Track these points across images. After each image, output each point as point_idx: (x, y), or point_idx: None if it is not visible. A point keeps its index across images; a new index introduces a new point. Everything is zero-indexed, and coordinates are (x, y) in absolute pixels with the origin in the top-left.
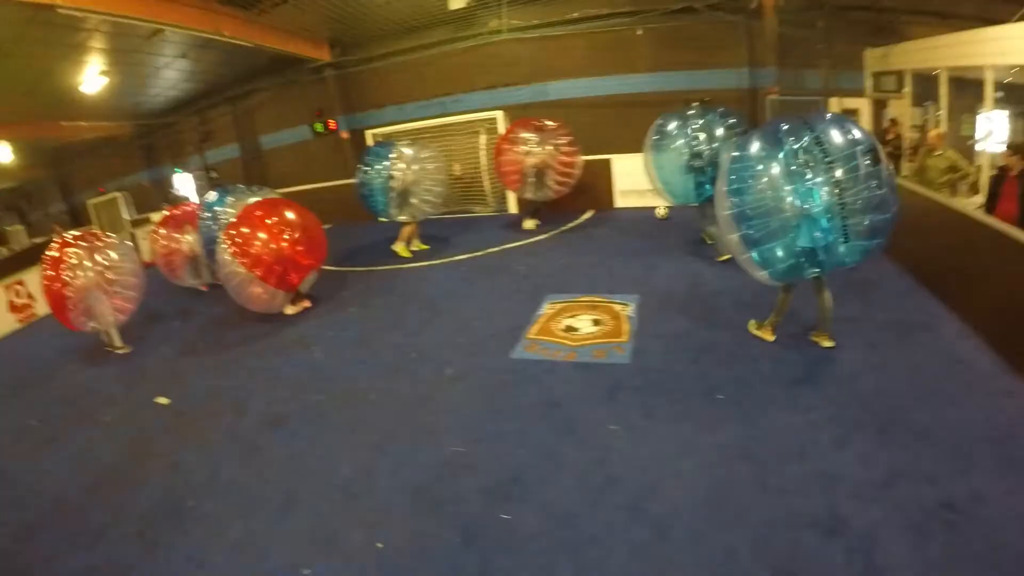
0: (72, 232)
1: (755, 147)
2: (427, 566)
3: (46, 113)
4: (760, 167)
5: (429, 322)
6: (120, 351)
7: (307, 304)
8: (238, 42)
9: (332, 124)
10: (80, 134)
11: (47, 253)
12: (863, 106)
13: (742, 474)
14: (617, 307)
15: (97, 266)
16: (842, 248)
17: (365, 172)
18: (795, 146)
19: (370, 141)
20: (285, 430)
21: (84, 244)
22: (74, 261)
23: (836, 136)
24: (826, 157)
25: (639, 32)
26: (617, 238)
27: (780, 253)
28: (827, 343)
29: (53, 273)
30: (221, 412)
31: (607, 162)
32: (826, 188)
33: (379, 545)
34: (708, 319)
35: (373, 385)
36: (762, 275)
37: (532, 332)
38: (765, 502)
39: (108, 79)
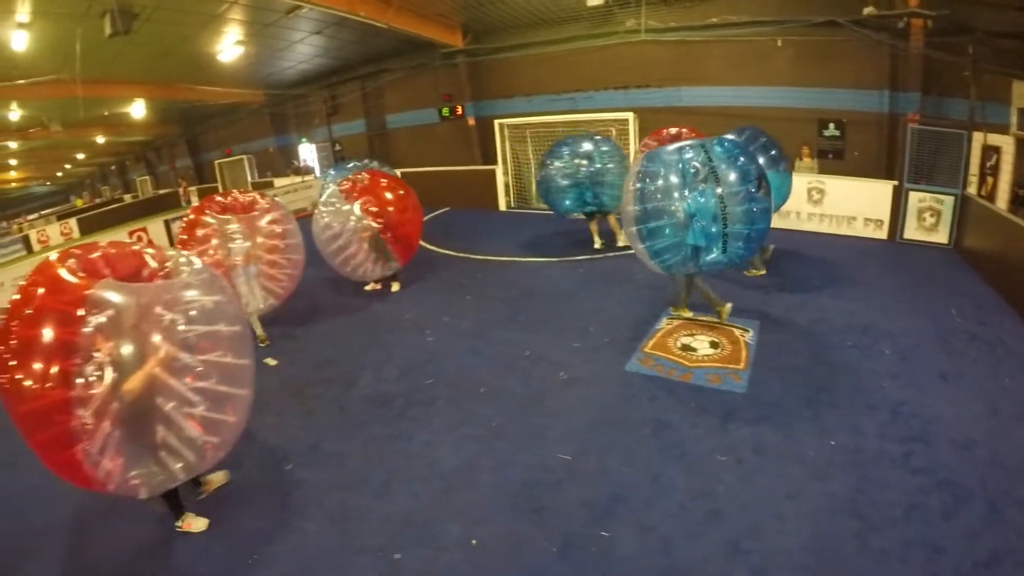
0: (228, 193)
1: (660, 159)
2: (520, 571)
3: (181, 76)
4: (661, 179)
5: (545, 321)
6: (261, 344)
7: (379, 286)
8: (373, 23)
9: (459, 110)
10: (212, 98)
11: (186, 216)
12: (1006, 144)
13: (846, 528)
14: (737, 332)
15: (253, 238)
16: (716, 252)
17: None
18: (693, 162)
19: (498, 130)
20: (392, 409)
21: (238, 208)
22: (220, 228)
23: (728, 160)
24: (716, 175)
25: (779, 43)
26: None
27: (671, 247)
28: (723, 311)
29: (186, 237)
30: (330, 382)
31: None
32: (713, 200)
33: (474, 542)
34: (827, 357)
35: (484, 378)
36: (654, 264)
37: (648, 346)
38: (866, 562)
39: (244, 49)
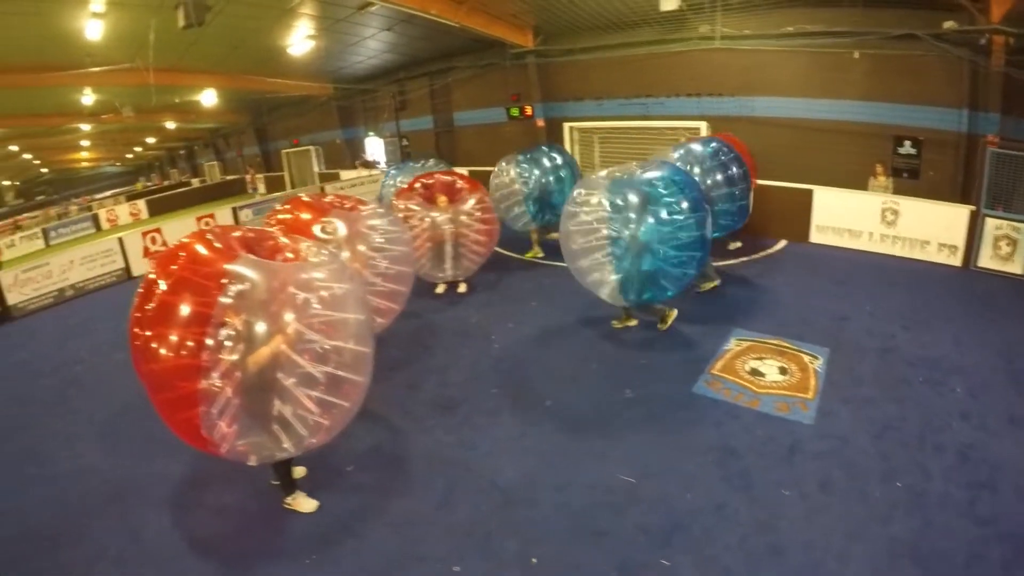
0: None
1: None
2: None
3: (252, 67)
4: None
5: (612, 335)
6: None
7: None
8: (444, 21)
9: (528, 110)
10: (281, 89)
11: (278, 216)
12: None
13: (906, 574)
14: (806, 358)
15: (359, 246)
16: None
17: None
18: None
19: (567, 132)
20: (456, 416)
21: (341, 212)
22: (323, 234)
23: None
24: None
25: (856, 55)
26: (809, 278)
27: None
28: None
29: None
30: (394, 383)
31: (808, 192)
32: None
33: (534, 560)
34: (897, 391)
35: (550, 390)
36: (609, 293)
37: (716, 367)
38: None
39: (315, 43)
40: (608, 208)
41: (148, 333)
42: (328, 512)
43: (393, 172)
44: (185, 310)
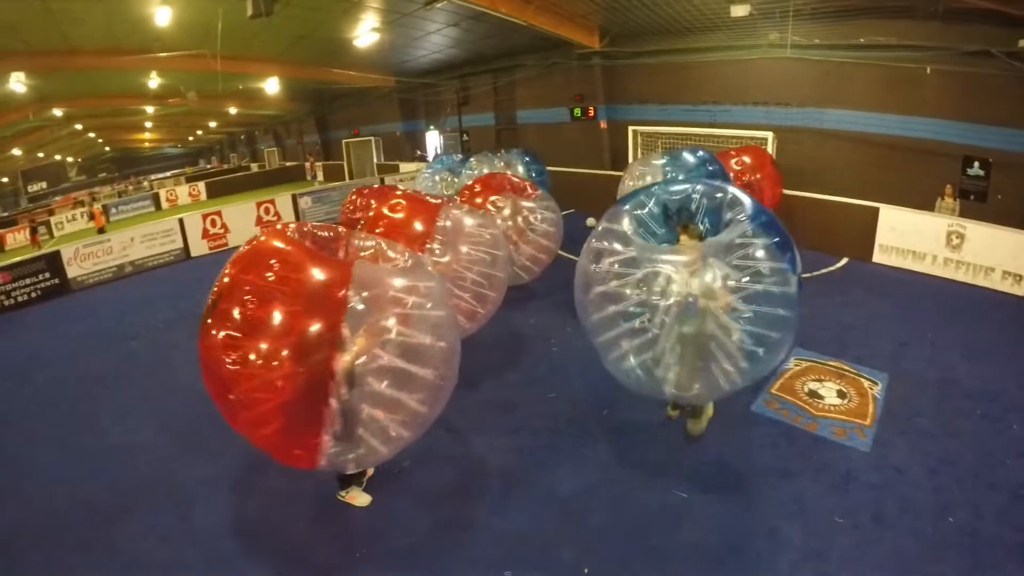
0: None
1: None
2: None
3: (316, 58)
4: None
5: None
6: None
7: None
8: (512, 19)
9: (591, 111)
10: (344, 80)
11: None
12: None
13: None
14: (865, 383)
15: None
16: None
17: None
18: None
19: (631, 136)
20: (513, 419)
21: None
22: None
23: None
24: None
25: (928, 71)
26: (871, 299)
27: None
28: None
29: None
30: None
31: (874, 210)
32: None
33: (586, 571)
34: (954, 425)
35: (606, 399)
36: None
37: (775, 386)
38: None
39: (380, 36)
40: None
41: (253, 354)
42: (381, 508)
43: (430, 173)
44: (312, 327)
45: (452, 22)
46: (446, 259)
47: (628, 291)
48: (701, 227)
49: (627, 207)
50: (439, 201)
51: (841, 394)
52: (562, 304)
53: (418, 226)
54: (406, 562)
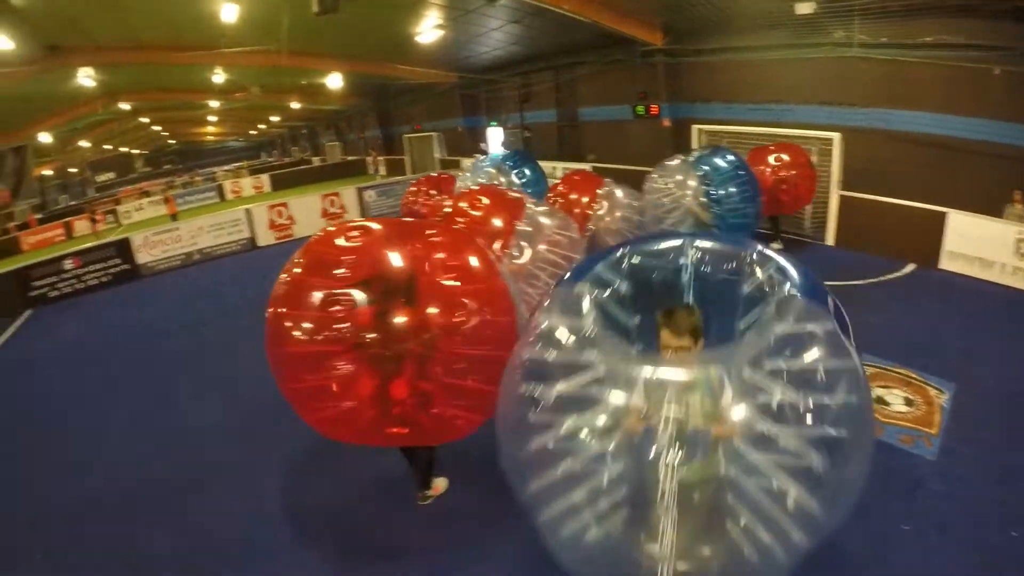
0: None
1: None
2: None
3: (379, 54)
4: None
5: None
6: None
7: None
8: (575, 16)
9: (654, 109)
10: (407, 76)
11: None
12: None
13: None
14: (932, 391)
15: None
16: None
17: None
18: None
19: (695, 135)
20: None
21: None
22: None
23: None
24: None
25: (996, 72)
26: (938, 306)
27: None
28: None
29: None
30: None
31: (940, 215)
32: None
33: None
34: (1022, 438)
35: None
36: None
37: None
38: None
39: (443, 33)
40: None
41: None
42: (451, 493)
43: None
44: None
45: (514, 19)
46: (523, 260)
47: (590, 440)
48: (696, 315)
49: (582, 291)
50: (518, 197)
51: (908, 402)
52: None
53: (498, 223)
54: (473, 543)
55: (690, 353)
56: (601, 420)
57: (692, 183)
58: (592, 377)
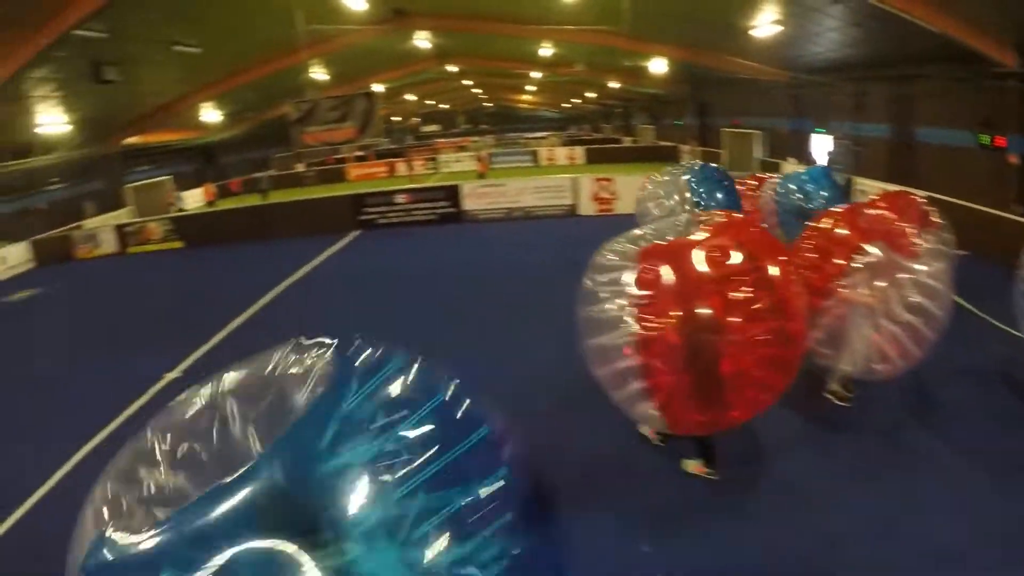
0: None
1: None
2: None
3: (708, 43)
4: None
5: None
6: (839, 401)
7: None
8: (923, 24)
9: (1000, 140)
10: (734, 69)
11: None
12: None
13: None
14: None
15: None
16: None
17: None
18: None
19: None
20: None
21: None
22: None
23: None
24: None
25: None
26: None
27: None
28: None
29: (814, 255)
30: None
31: None
32: None
33: None
34: None
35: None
36: None
37: None
38: None
39: (780, 28)
40: None
41: None
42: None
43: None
44: None
45: (854, 21)
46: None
47: None
48: None
49: None
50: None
51: None
52: None
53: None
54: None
55: None
56: None
57: None
58: None
